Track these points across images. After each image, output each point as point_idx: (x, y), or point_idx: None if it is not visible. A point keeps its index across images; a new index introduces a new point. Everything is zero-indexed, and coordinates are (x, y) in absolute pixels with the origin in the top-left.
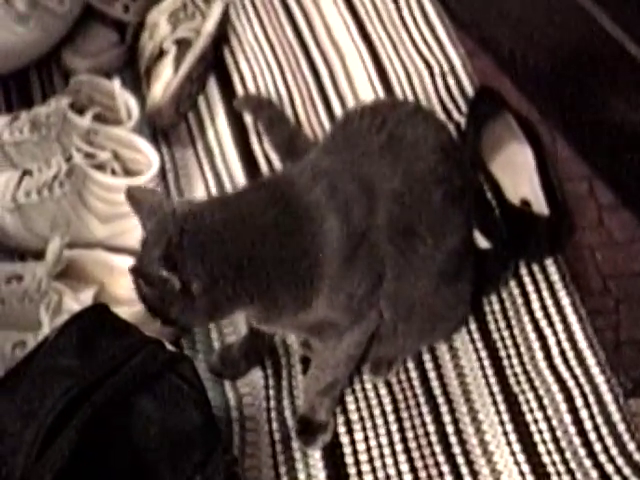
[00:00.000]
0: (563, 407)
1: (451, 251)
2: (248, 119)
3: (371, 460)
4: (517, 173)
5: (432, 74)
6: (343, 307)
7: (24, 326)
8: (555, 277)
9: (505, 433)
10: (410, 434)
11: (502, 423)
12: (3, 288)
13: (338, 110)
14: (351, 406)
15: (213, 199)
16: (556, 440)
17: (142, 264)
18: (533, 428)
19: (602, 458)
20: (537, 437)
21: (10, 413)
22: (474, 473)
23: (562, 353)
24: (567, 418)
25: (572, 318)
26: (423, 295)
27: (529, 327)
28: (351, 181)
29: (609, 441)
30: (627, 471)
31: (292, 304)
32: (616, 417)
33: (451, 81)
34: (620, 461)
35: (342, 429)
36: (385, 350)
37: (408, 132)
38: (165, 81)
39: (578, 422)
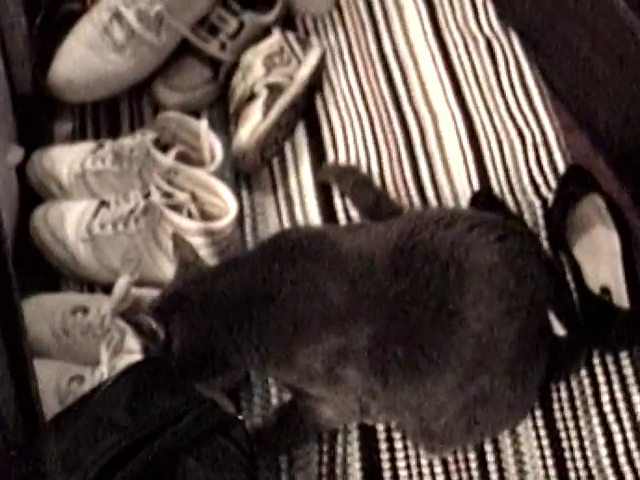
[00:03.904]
0: None
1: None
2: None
3: None
4: (600, 259)
5: (524, 144)
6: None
7: (84, 360)
8: (628, 371)
9: None
10: None
11: None
12: (69, 319)
13: (425, 171)
14: None
15: (223, 262)
16: None
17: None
18: None
19: None
20: None
21: (55, 457)
22: None
23: (627, 452)
24: None
25: None
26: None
27: (595, 420)
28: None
29: None
30: None
31: (275, 367)
32: None
33: (543, 154)
34: None
35: None
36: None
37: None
38: (253, 125)
39: None
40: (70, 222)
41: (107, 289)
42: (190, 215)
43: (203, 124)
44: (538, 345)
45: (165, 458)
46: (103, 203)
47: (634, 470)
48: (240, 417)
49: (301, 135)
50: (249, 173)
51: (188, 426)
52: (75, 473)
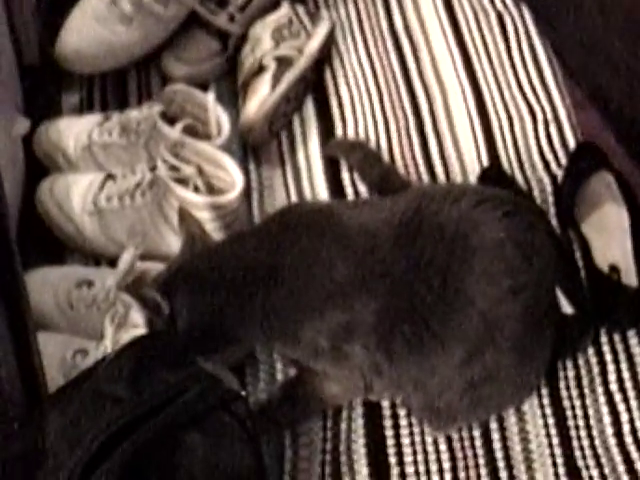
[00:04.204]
0: None
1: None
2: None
3: None
4: (610, 236)
5: (535, 121)
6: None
7: (88, 334)
8: (636, 350)
9: None
10: None
11: None
12: (73, 292)
13: (434, 146)
14: (408, 458)
15: (229, 237)
16: None
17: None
18: None
19: None
20: None
21: (57, 431)
22: None
23: (633, 432)
24: None
25: None
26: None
27: (602, 399)
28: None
29: None
30: None
31: (280, 343)
32: None
33: (553, 131)
34: None
35: None
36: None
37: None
38: (261, 98)
39: None
40: (76, 195)
41: (112, 262)
42: (196, 189)
43: (210, 97)
44: (545, 323)
45: (167, 433)
46: (110, 176)
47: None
48: (243, 393)
49: (309, 109)
50: (257, 146)
51: (191, 401)
52: (77, 448)
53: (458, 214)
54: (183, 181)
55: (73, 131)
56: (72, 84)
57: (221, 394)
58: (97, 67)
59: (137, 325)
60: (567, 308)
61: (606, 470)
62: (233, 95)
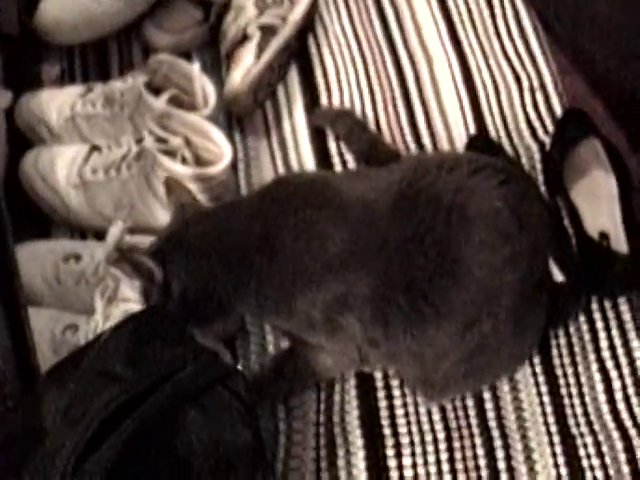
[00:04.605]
0: (622, 457)
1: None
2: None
3: None
4: (598, 203)
5: (521, 88)
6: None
7: (76, 308)
8: (627, 316)
9: (559, 476)
10: (460, 465)
11: (557, 466)
12: (61, 266)
13: (420, 114)
14: (402, 429)
15: (223, 205)
16: None
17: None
18: (588, 475)
19: None
20: None
21: (55, 411)
22: None
23: (626, 399)
24: (625, 469)
25: None
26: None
27: (594, 367)
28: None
29: None
30: None
31: (274, 314)
32: None
33: (540, 98)
34: None
35: (390, 452)
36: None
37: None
38: (246, 67)
39: (637, 474)
40: (61, 167)
41: (99, 235)
42: (184, 161)
43: (196, 67)
44: (540, 291)
45: (165, 410)
46: (94, 148)
47: (633, 416)
48: (239, 367)
49: (294, 78)
50: (241, 117)
51: (189, 378)
52: (76, 427)
53: (454, 184)
54: (170, 153)
55: (55, 103)
56: (52, 55)
57: (219, 370)
58: (77, 37)
59: (127, 299)
60: (558, 276)
61: (600, 437)
62: (215, 64)
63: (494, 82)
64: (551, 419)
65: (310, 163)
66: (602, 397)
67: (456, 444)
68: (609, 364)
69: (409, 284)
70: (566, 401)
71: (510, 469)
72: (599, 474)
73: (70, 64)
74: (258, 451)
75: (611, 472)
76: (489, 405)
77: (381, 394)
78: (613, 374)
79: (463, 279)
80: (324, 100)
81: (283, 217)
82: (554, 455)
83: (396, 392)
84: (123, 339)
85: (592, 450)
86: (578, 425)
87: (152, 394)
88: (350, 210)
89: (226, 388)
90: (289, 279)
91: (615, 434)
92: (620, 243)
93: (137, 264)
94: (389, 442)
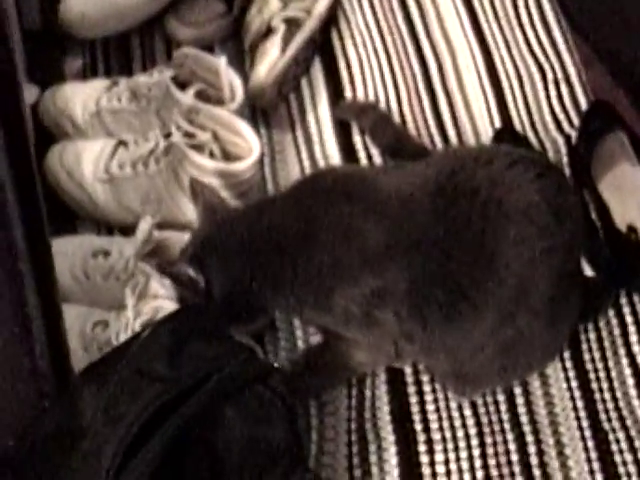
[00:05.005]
0: None
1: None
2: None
3: None
4: (626, 196)
5: (545, 80)
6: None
7: (105, 304)
8: None
9: (592, 472)
10: (492, 461)
11: (589, 461)
12: (89, 262)
13: (444, 106)
14: (434, 425)
15: (256, 204)
16: None
17: (179, 259)
18: (621, 470)
19: None
20: None
21: (95, 409)
22: None
23: None
24: None
25: None
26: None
27: (624, 361)
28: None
29: None
30: None
31: (312, 309)
32: None
33: (564, 90)
34: None
35: (422, 448)
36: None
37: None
38: (271, 61)
39: None
40: (87, 162)
41: (125, 231)
42: (212, 155)
43: (222, 61)
44: (574, 284)
45: (206, 409)
46: (121, 143)
47: None
48: (276, 365)
49: (317, 71)
50: (266, 110)
51: (229, 377)
52: (118, 426)
53: (491, 177)
54: (198, 147)
55: (80, 97)
56: (74, 49)
57: (258, 368)
58: (102, 31)
59: (158, 295)
60: (587, 270)
61: (632, 432)
62: (238, 57)
63: (518, 74)
64: (582, 414)
65: (335, 157)
66: (633, 392)
67: (488, 439)
68: (639, 358)
69: (446, 278)
70: (597, 396)
71: (542, 464)
72: (632, 469)
73: (92, 58)
74: (297, 449)
75: None
76: (520, 400)
77: (412, 389)
78: None
79: (500, 273)
80: (348, 93)
81: (320, 213)
82: (586, 450)
83: (427, 387)
84: (163, 338)
85: (624, 445)
86: (610, 420)
87: (193, 393)
88: (387, 204)
89: (266, 386)
90: (327, 274)
91: None
92: None
93: (176, 275)
94: (421, 438)
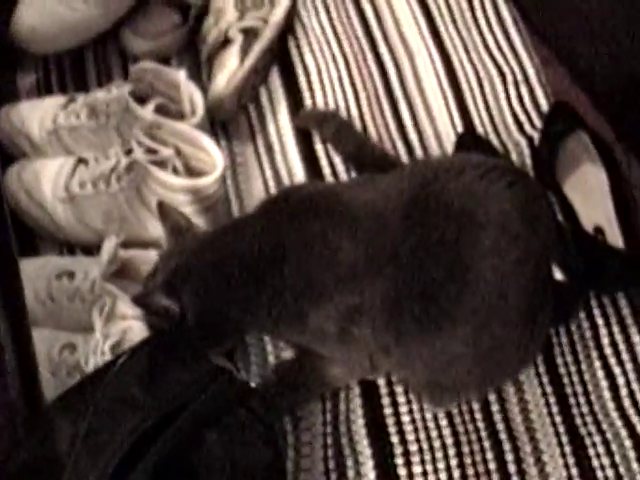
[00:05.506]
0: (632, 454)
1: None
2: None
3: None
4: (591, 198)
5: (505, 82)
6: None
7: (71, 327)
8: (626, 311)
9: (570, 477)
10: (470, 471)
11: (567, 467)
12: (53, 283)
13: (405, 111)
14: (410, 436)
15: (226, 227)
16: None
17: (147, 287)
18: (599, 474)
19: None
20: None
21: (73, 439)
22: None
23: (631, 395)
24: (635, 466)
25: None
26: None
27: (597, 364)
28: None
29: None
30: None
31: (287, 329)
32: None
33: (524, 91)
34: None
35: (400, 460)
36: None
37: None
38: (230, 71)
39: None
40: (46, 181)
41: (89, 250)
42: (175, 171)
43: (182, 74)
44: (547, 290)
45: (188, 435)
46: (81, 160)
47: (638, 412)
48: (253, 385)
49: (276, 79)
50: (226, 122)
51: (209, 401)
52: (101, 456)
53: (463, 189)
54: (161, 164)
55: (36, 115)
56: (27, 65)
57: (237, 390)
58: (54, 46)
59: (126, 316)
60: (557, 274)
61: (608, 435)
62: (195, 68)
63: (477, 76)
64: (558, 419)
65: (298, 166)
66: (607, 394)
67: (465, 449)
68: (612, 360)
69: (421, 291)
70: (572, 400)
71: (521, 472)
72: (610, 473)
73: (46, 73)
74: (278, 470)
75: (622, 470)
76: (495, 407)
77: (386, 401)
78: (616, 370)
79: (474, 284)
80: (308, 101)
81: (291, 232)
82: (564, 456)
83: (401, 398)
84: (140, 364)
85: (601, 449)
86: (585, 424)
87: (173, 419)
88: (359, 220)
89: (245, 409)
90: (302, 295)
91: (623, 432)
92: (615, 237)
93: (149, 304)
94: (397, 450)
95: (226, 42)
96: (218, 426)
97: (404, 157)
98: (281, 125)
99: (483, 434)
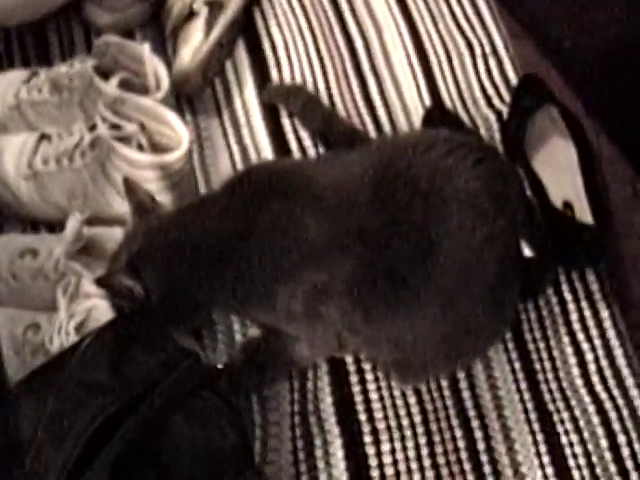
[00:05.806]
0: (600, 431)
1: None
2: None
3: (398, 475)
4: (560, 172)
5: (473, 55)
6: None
7: (35, 306)
8: (594, 287)
9: (538, 454)
10: (439, 449)
11: (536, 443)
12: (16, 262)
13: (372, 85)
14: (378, 414)
15: (190, 205)
16: (591, 466)
17: (111, 268)
18: (568, 451)
19: None
20: (572, 462)
21: (38, 424)
22: None
23: (599, 371)
24: (604, 443)
25: (611, 333)
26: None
27: (566, 340)
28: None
29: None
30: None
31: (253, 308)
32: None
33: (493, 64)
34: None
35: (368, 439)
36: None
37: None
38: (195, 45)
39: (615, 448)
40: (9, 158)
41: (52, 227)
42: (140, 147)
43: (146, 48)
44: (515, 267)
45: (153, 419)
46: (44, 136)
47: (607, 388)
48: (220, 366)
49: (242, 53)
50: (191, 96)
51: (174, 384)
52: (64, 442)
53: (430, 165)
54: (125, 139)
55: None
56: None
57: (203, 373)
58: (16, 18)
59: (90, 295)
60: (525, 250)
61: (576, 412)
62: (159, 42)
63: (445, 48)
64: (526, 396)
65: (264, 141)
66: (576, 370)
67: (433, 427)
68: (580, 336)
69: (389, 269)
70: (540, 377)
71: (489, 449)
72: (578, 450)
73: (7, 47)
74: (246, 452)
75: (590, 447)
76: (463, 384)
77: (354, 378)
78: (585, 346)
79: (442, 261)
80: (274, 75)
81: (256, 210)
82: (532, 433)
83: (369, 376)
84: (105, 347)
85: (569, 426)
86: (554, 401)
87: (139, 403)
88: (325, 197)
89: (211, 391)
90: (268, 272)
91: (591, 408)
92: (584, 212)
93: (113, 285)
94: (365, 428)
95: (191, 15)
96: (184, 409)
97: (372, 132)
98: (247, 99)
99: (452, 412)
